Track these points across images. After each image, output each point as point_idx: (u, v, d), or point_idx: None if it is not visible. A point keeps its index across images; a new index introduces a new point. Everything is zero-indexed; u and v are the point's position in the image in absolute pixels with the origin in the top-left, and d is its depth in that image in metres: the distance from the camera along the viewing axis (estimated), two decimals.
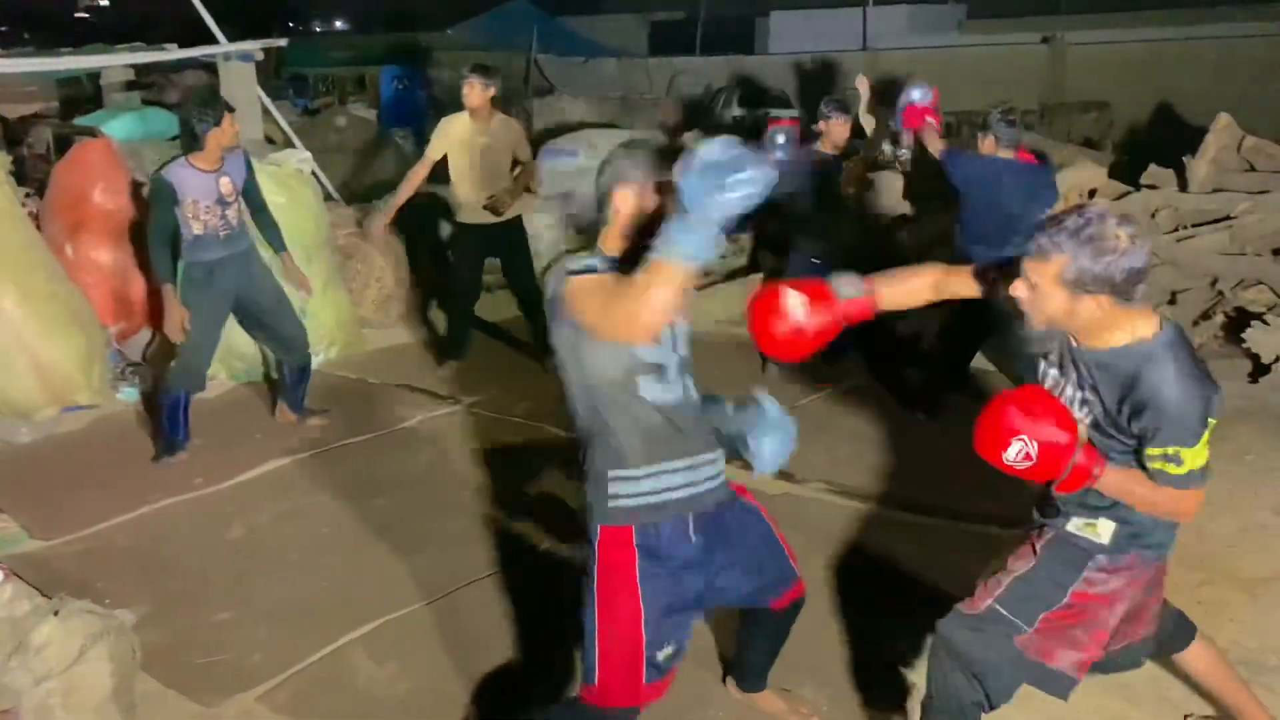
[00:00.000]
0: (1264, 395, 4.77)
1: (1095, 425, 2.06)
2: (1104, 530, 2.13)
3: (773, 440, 2.22)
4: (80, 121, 7.46)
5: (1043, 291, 1.96)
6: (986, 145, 4.58)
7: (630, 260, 1.98)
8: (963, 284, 2.33)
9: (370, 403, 5.25)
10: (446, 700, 2.85)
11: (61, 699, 2.47)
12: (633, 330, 1.85)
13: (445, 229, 6.95)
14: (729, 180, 1.68)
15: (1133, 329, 1.98)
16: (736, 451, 2.25)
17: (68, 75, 10.41)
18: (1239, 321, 5.28)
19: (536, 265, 5.82)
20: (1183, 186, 6.12)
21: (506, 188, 5.22)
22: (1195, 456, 1.95)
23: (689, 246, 1.73)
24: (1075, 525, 2.16)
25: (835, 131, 5.03)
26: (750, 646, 2.63)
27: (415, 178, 5.32)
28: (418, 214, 6.63)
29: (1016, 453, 1.98)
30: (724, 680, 2.80)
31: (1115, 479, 2.01)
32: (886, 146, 5.16)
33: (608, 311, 1.87)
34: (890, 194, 6.88)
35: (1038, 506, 2.29)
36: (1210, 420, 1.95)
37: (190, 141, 4.22)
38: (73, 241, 5.38)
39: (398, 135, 11.82)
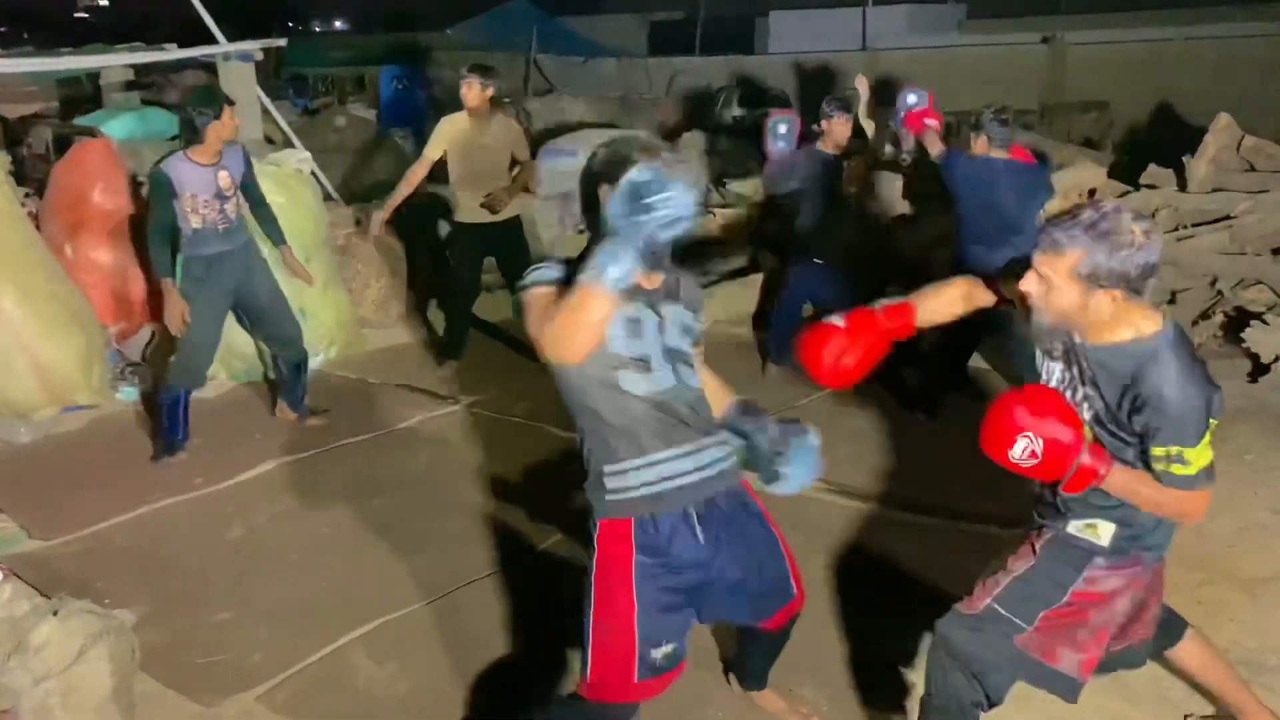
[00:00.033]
0: (1263, 395, 4.77)
1: (1096, 421, 2.05)
2: (1104, 532, 2.12)
3: (803, 467, 2.25)
4: (80, 121, 7.46)
5: (1055, 286, 1.95)
6: (979, 145, 4.58)
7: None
8: (990, 293, 2.32)
9: (370, 403, 5.25)
10: (446, 700, 2.85)
11: (61, 699, 2.47)
12: (560, 353, 1.89)
13: (444, 229, 6.95)
14: (650, 202, 1.70)
15: (1138, 326, 1.98)
16: (753, 464, 2.24)
17: (67, 75, 10.42)
18: (1238, 321, 5.28)
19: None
20: (1182, 186, 6.12)
21: (504, 186, 5.22)
22: (1200, 456, 1.95)
23: (612, 270, 1.76)
24: (1075, 527, 2.16)
25: (837, 131, 5.03)
26: (749, 654, 2.64)
27: (414, 177, 5.32)
28: (417, 214, 6.64)
29: (1022, 450, 1.97)
30: (726, 676, 2.80)
31: (1121, 479, 2.00)
32: (888, 148, 5.16)
33: (540, 331, 1.91)
34: (890, 194, 6.88)
35: (1036, 508, 2.29)
36: (1212, 421, 1.95)
37: (189, 135, 4.22)
38: (72, 241, 5.38)
39: (397, 135, 11.82)
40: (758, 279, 6.48)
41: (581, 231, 2.18)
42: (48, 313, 4.79)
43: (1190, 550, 3.38)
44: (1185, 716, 2.63)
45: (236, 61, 7.30)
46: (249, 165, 4.49)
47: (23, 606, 2.62)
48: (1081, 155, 7.60)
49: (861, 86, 5.37)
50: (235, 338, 5.20)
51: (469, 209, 5.29)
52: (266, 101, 7.88)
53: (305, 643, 3.11)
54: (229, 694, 2.89)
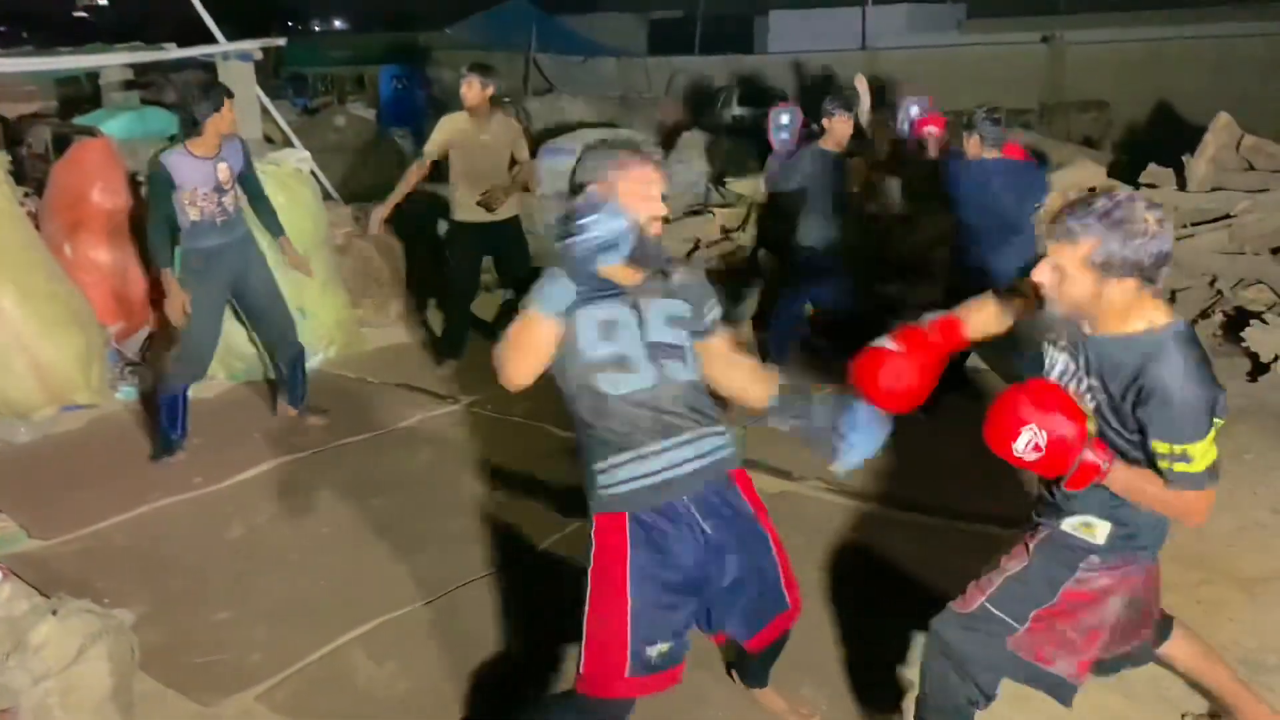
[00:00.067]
0: (1263, 394, 4.77)
1: (1099, 413, 2.05)
2: (1100, 531, 2.12)
3: (866, 435, 2.24)
4: (79, 121, 7.44)
5: (1069, 275, 1.95)
6: (973, 145, 4.58)
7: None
8: (1021, 300, 2.31)
9: (369, 402, 5.24)
10: (445, 699, 2.85)
11: (60, 698, 2.47)
12: (506, 378, 2.02)
13: (444, 228, 6.95)
14: (577, 227, 1.81)
15: (1148, 318, 1.97)
16: (813, 442, 2.23)
17: (66, 75, 10.40)
18: (1238, 320, 5.28)
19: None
20: (1182, 185, 6.12)
21: (500, 184, 5.22)
22: (1204, 455, 1.93)
23: (543, 296, 1.90)
24: (1070, 525, 2.16)
25: (839, 129, 5.03)
26: (747, 658, 2.63)
27: (414, 175, 5.33)
28: (416, 213, 6.63)
29: (1026, 443, 1.97)
30: (729, 672, 2.81)
31: (1123, 477, 1.99)
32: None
33: (498, 355, 2.04)
34: (890, 194, 6.88)
35: (1035, 507, 2.29)
36: (1216, 420, 1.94)
37: (188, 127, 4.22)
38: (71, 241, 5.37)
39: (397, 134, 11.82)
40: (757, 281, 6.47)
41: None
42: (47, 312, 4.79)
43: (1189, 549, 3.38)
44: (1183, 715, 2.63)
45: (236, 61, 7.30)
46: (248, 158, 4.49)
47: (22, 606, 2.62)
48: (1081, 154, 7.60)
49: (861, 86, 5.37)
50: (235, 338, 5.21)
51: (468, 208, 5.29)
52: (266, 101, 7.88)
53: (305, 642, 3.11)
54: (228, 693, 2.89)
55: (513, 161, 5.35)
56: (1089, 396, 2.06)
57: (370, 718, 2.81)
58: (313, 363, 5.54)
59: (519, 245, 5.49)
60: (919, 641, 2.74)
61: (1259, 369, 4.95)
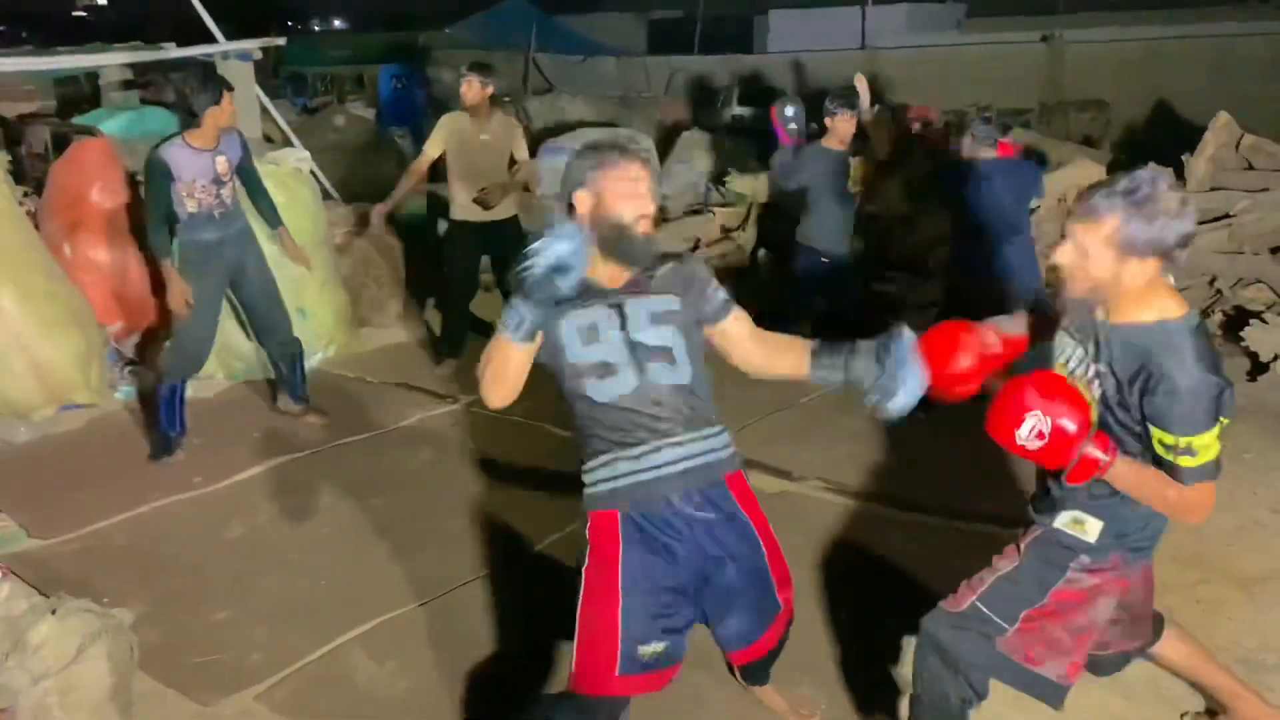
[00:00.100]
0: (1262, 394, 4.77)
1: (1104, 401, 2.03)
2: (1092, 529, 2.11)
3: (912, 374, 2.12)
4: (78, 120, 7.44)
5: (1091, 254, 1.93)
6: (966, 145, 4.60)
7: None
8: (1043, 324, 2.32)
9: (369, 402, 5.24)
10: (445, 699, 2.85)
11: (59, 698, 2.47)
12: (487, 401, 2.09)
13: (443, 227, 6.95)
14: (527, 255, 1.88)
15: (1163, 307, 1.96)
16: (860, 391, 2.16)
17: (66, 74, 10.40)
18: (1237, 320, 5.29)
19: None
20: (1181, 185, 6.12)
21: (497, 182, 5.22)
22: (1208, 449, 1.91)
23: (507, 321, 1.98)
24: (1064, 521, 2.15)
25: (841, 128, 5.04)
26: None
27: (414, 174, 5.34)
28: (416, 212, 6.64)
29: (1030, 430, 1.96)
30: (730, 669, 2.81)
31: (1125, 470, 1.98)
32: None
33: (479, 373, 2.10)
34: (891, 194, 6.88)
35: (1031, 503, 2.29)
36: (1222, 417, 1.92)
37: (187, 120, 4.22)
38: (71, 241, 5.37)
39: (396, 134, 11.82)
40: (758, 279, 6.47)
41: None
42: (46, 312, 4.79)
43: (1188, 549, 3.38)
44: (1182, 715, 2.63)
45: (235, 61, 7.29)
46: (246, 150, 4.50)
47: (21, 605, 2.62)
48: (1080, 154, 7.60)
49: (861, 86, 5.36)
50: (234, 337, 5.21)
51: (467, 207, 5.29)
52: (265, 100, 7.88)
53: (304, 641, 3.11)
54: (228, 693, 2.89)
55: (512, 161, 5.35)
56: (1096, 383, 2.04)
57: (370, 717, 2.81)
58: (312, 362, 5.54)
59: (518, 245, 5.46)
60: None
61: (1258, 368, 4.95)
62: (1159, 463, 1.98)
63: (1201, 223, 5.82)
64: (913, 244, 6.52)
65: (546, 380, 2.17)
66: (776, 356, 2.27)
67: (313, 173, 6.18)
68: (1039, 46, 15.05)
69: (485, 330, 5.79)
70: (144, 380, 5.26)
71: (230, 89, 4.30)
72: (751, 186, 7.60)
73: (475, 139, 5.21)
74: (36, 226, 5.23)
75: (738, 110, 15.44)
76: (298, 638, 3.14)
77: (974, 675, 2.19)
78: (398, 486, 4.23)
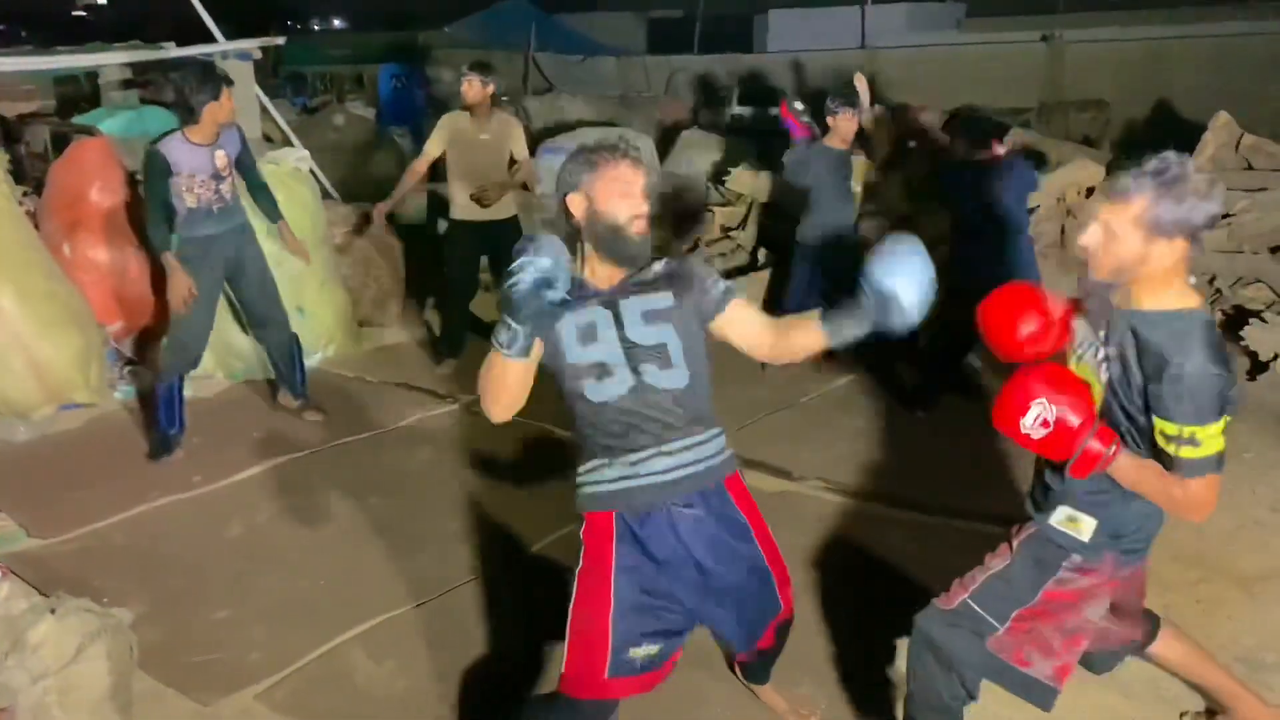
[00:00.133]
0: (1262, 393, 4.78)
1: (1111, 386, 2.02)
2: (1086, 527, 2.11)
3: (905, 279, 2.02)
4: (78, 120, 7.44)
5: (1118, 235, 1.93)
6: (958, 146, 4.57)
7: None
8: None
9: (368, 401, 5.24)
10: (444, 698, 2.85)
11: (58, 697, 2.47)
12: (489, 415, 2.09)
13: (443, 227, 6.95)
14: (512, 272, 1.87)
15: (1179, 297, 1.96)
16: (880, 323, 2.07)
17: (65, 74, 10.40)
18: (1237, 319, 5.29)
19: None
20: None
21: (495, 181, 5.22)
22: (1212, 441, 1.90)
23: (499, 338, 1.98)
24: (1058, 519, 2.14)
25: (843, 127, 5.04)
26: (746, 660, 2.63)
27: (414, 173, 5.35)
28: (416, 212, 6.64)
29: (1035, 419, 1.96)
30: (731, 667, 2.81)
31: (1128, 463, 1.97)
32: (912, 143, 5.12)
33: (479, 388, 2.10)
34: (891, 194, 6.87)
35: (1030, 496, 2.28)
36: (1226, 413, 1.91)
37: (186, 115, 4.22)
38: (70, 240, 5.37)
39: (396, 133, 11.82)
40: (763, 276, 6.46)
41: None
42: (45, 312, 4.78)
43: (1188, 548, 3.38)
44: (1181, 714, 2.63)
45: (235, 60, 7.28)
46: (245, 144, 4.51)
47: (20, 605, 2.62)
48: (1079, 153, 7.59)
49: (860, 85, 5.36)
50: (234, 337, 5.21)
51: (466, 206, 5.29)
52: (265, 100, 7.87)
53: (303, 641, 3.11)
54: (227, 692, 2.89)
55: (513, 160, 5.35)
56: (1104, 368, 2.03)
57: (369, 717, 2.81)
58: (311, 361, 5.54)
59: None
60: None
61: (1258, 367, 4.96)
62: (1160, 456, 1.97)
63: None
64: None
65: (546, 380, 2.17)
66: (788, 336, 2.20)
67: (312, 172, 6.18)
68: (1039, 46, 15.05)
69: (485, 330, 5.79)
70: (143, 380, 5.26)
71: (230, 84, 4.30)
72: (751, 185, 7.59)
73: (475, 138, 5.21)
74: (36, 226, 5.23)
75: (737, 110, 15.43)
76: (297, 637, 3.14)
77: (965, 673, 2.19)
78: (397, 486, 4.23)
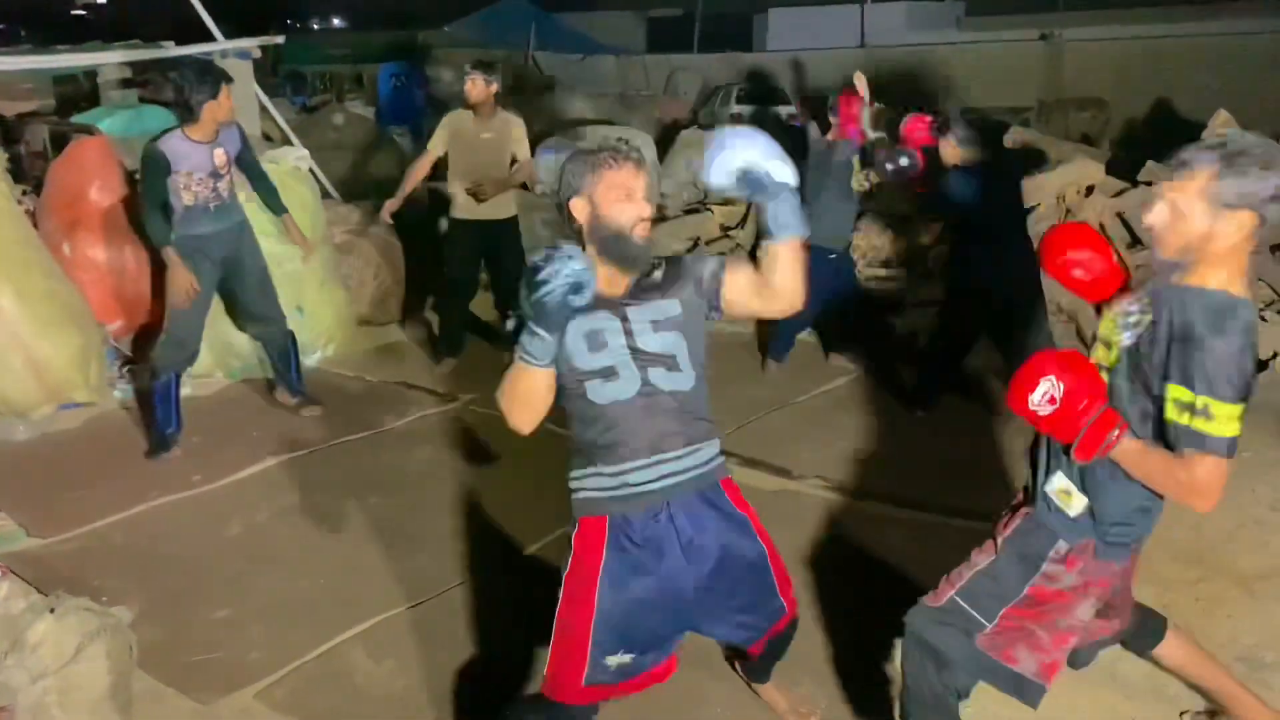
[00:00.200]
0: (1262, 392, 4.74)
1: (1134, 351, 1.99)
2: (1077, 502, 2.09)
3: (714, 151, 1.99)
4: (77, 119, 7.44)
5: (1182, 211, 1.90)
6: (948, 148, 4.53)
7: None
8: None
9: (368, 400, 5.24)
10: (443, 697, 2.85)
11: (58, 697, 2.47)
12: (512, 425, 2.08)
13: (443, 226, 6.96)
14: (541, 280, 1.86)
15: (1232, 283, 1.92)
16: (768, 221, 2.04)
17: (64, 73, 10.40)
18: None
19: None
20: None
21: (493, 178, 5.22)
22: (1227, 419, 1.85)
23: (531, 349, 1.96)
24: (1053, 487, 2.13)
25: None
26: (749, 657, 2.63)
27: (418, 171, 5.36)
28: (417, 211, 6.63)
29: (1042, 395, 1.96)
30: (731, 665, 2.81)
31: (1132, 444, 1.95)
32: (869, 177, 4.99)
33: (498, 398, 2.08)
34: (891, 193, 6.87)
35: (1025, 488, 2.27)
36: (1245, 402, 1.88)
37: (185, 114, 4.22)
38: (70, 239, 5.37)
39: (395, 133, 11.84)
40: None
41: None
42: (45, 311, 4.78)
43: (1188, 546, 3.39)
44: (1181, 714, 2.63)
45: (234, 59, 7.28)
46: (245, 141, 4.52)
47: (19, 604, 2.62)
48: (1079, 152, 7.59)
49: (860, 84, 5.36)
50: (234, 336, 5.21)
51: (467, 205, 5.30)
52: (264, 99, 7.87)
53: (303, 640, 3.11)
54: (226, 691, 2.89)
55: (514, 159, 5.35)
56: (1130, 332, 2.01)
57: (368, 716, 2.81)
58: (311, 361, 5.55)
59: (514, 246, 5.50)
60: None
61: (1258, 366, 4.94)
62: (1166, 438, 1.93)
63: None
64: (913, 243, 6.52)
65: None
66: (767, 272, 2.11)
67: (311, 171, 6.18)
68: (1038, 44, 15.07)
69: (484, 330, 5.79)
70: (142, 379, 5.26)
71: (229, 82, 4.30)
72: None
73: (477, 137, 5.22)
74: (35, 225, 5.23)
75: (736, 108, 15.42)
76: (296, 636, 3.14)
77: (956, 671, 2.20)
78: (396, 485, 4.23)
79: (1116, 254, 2.27)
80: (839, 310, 5.41)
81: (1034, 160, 6.70)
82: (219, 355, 5.32)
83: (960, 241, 4.75)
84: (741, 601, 2.29)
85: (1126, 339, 2.01)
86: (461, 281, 5.57)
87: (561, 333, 1.96)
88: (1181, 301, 1.92)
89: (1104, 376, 2.05)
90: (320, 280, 5.59)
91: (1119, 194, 6.10)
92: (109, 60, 8.09)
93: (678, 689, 2.32)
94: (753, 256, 7.06)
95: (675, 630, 2.24)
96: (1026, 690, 2.18)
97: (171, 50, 7.63)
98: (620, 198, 2.10)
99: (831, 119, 5.09)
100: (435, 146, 5.29)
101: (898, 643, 2.88)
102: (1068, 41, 14.79)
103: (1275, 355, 4.89)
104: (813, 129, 5.44)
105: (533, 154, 5.70)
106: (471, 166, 5.24)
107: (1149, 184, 6.18)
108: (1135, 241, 5.85)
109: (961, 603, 2.19)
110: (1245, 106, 7.24)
